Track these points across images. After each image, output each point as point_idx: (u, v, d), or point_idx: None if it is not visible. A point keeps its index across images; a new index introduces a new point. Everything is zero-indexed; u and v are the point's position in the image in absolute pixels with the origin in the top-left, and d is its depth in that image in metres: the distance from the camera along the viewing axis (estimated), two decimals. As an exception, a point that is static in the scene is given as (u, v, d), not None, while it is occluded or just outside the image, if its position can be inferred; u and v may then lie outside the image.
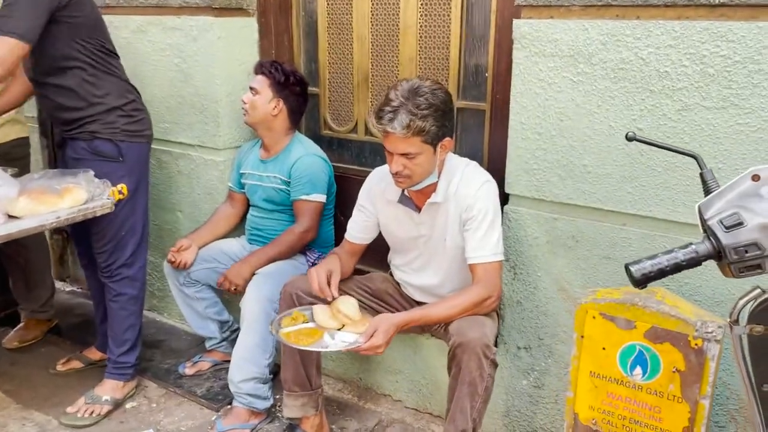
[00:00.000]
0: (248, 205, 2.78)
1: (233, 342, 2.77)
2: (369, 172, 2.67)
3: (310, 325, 2.00)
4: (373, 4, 2.55)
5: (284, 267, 2.48)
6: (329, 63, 2.75)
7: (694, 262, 1.14)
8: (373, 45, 2.60)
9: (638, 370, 1.74)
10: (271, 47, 2.89)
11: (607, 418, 1.81)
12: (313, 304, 2.16)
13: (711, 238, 1.13)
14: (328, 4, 2.67)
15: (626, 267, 1.17)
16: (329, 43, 2.72)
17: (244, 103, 2.52)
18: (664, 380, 1.70)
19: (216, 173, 2.90)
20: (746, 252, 1.07)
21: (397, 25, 2.51)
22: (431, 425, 2.52)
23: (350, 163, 2.81)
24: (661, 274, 1.15)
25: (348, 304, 2.01)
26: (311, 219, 2.51)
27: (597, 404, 1.82)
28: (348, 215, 2.73)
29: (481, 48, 2.34)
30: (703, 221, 1.15)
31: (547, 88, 2.00)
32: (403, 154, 1.91)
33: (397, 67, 2.56)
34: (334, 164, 2.82)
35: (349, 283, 2.24)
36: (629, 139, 1.33)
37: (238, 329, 2.79)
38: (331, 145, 2.84)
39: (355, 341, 1.89)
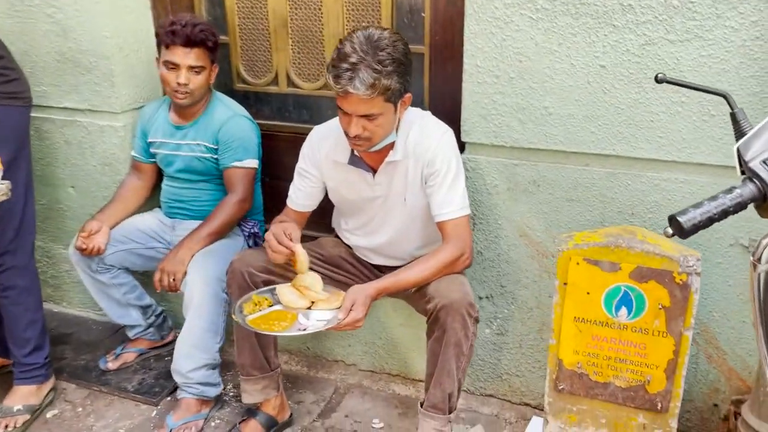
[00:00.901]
0: (159, 176, 2.47)
1: (160, 327, 2.53)
2: (295, 129, 2.49)
3: (277, 307, 1.81)
4: (287, -61, 2.28)
5: (223, 240, 2.24)
6: (239, 7, 2.45)
7: (740, 207, 1.10)
8: (290, -16, 2.34)
9: (623, 310, 1.75)
10: (165, -9, 2.52)
11: (591, 360, 1.82)
12: (268, 282, 1.98)
13: (755, 179, 1.09)
14: (232, -61, 2.36)
15: (672, 218, 1.11)
16: (237, -16, 2.42)
17: (183, 85, 2.17)
18: (649, 317, 1.72)
19: (116, 141, 2.54)
20: (795, 193, 1.05)
21: (318, -39, 2.27)
22: (390, 385, 2.45)
23: (271, 118, 2.57)
24: (710, 222, 1.10)
25: (314, 280, 1.84)
26: (246, 187, 2.28)
27: (582, 348, 1.82)
28: (273, 176, 2.53)
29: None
30: (744, 163, 1.11)
31: (504, 28, 1.89)
32: (363, 116, 1.73)
33: (320, 9, 2.33)
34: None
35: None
36: (659, 81, 1.25)
37: (162, 313, 2.54)
38: (246, 99, 2.57)
39: (333, 318, 1.74)
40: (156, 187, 2.50)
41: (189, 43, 2.13)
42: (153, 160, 2.41)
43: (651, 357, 1.76)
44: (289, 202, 2.09)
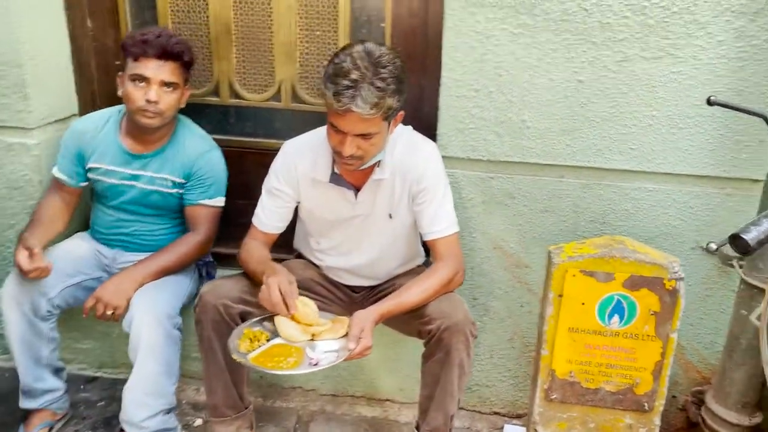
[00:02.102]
0: (81, 198, 2.18)
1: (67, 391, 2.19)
2: (238, 143, 2.33)
3: (278, 341, 1.67)
4: (232, -61, 2.11)
5: (172, 272, 2.03)
6: (172, 10, 2.23)
7: (793, 223, 1.17)
8: (235, -11, 2.17)
9: (615, 318, 1.81)
10: (84, -10, 2.24)
11: (584, 368, 1.86)
12: (245, 314, 1.83)
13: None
14: (165, -64, 2.14)
15: (736, 236, 1.16)
16: (171, -14, 2.20)
17: (153, 102, 1.90)
18: (640, 323, 1.80)
19: (28, 161, 2.21)
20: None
21: (268, -34, 2.12)
22: (355, 408, 2.37)
23: (210, 131, 2.35)
24: (768, 238, 1.16)
25: (311, 309, 1.71)
26: (212, 226, 2.08)
27: (575, 357, 1.86)
28: None
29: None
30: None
31: (485, 42, 1.88)
32: (359, 135, 1.64)
33: (270, 16, 2.18)
34: (188, 135, 2.36)
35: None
36: (711, 103, 1.30)
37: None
38: (180, 111, 2.34)
39: (342, 348, 1.63)
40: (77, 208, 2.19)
41: (164, 55, 1.89)
42: (85, 184, 2.11)
43: (640, 360, 1.84)
44: (257, 223, 1.94)
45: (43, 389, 2.10)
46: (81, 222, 2.27)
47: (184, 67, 1.96)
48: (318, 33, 2.18)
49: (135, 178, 2.04)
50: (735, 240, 1.18)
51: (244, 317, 1.83)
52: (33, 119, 2.17)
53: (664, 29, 1.80)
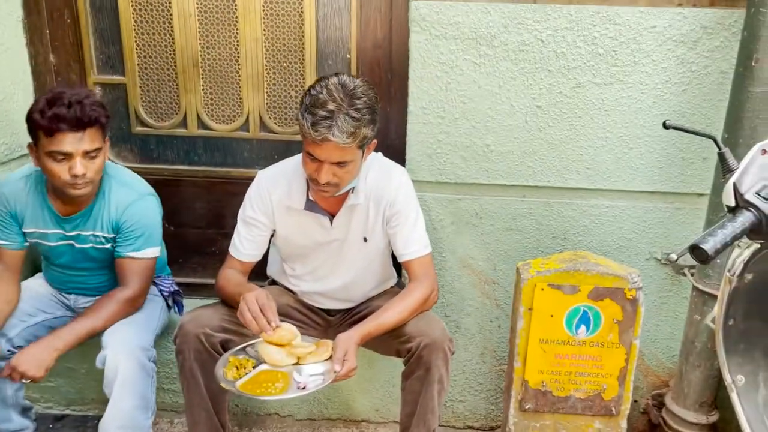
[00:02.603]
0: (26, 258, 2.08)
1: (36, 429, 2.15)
2: (204, 173, 2.37)
3: (264, 367, 1.69)
4: (198, -25, 2.16)
5: (140, 305, 2.00)
6: (138, 45, 2.26)
7: (743, 232, 1.29)
8: (201, 24, 2.22)
9: (582, 328, 1.91)
10: (45, 26, 2.25)
11: (554, 377, 1.96)
12: (226, 343, 1.85)
13: (751, 209, 1.29)
14: (130, -28, 2.18)
15: (695, 247, 1.27)
16: (136, 22, 2.23)
17: (81, 176, 1.77)
18: (604, 332, 1.91)
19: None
20: (785, 217, 1.26)
21: (234, 2, 2.18)
22: (333, 430, 2.40)
23: (177, 162, 2.40)
24: (724, 247, 1.28)
25: (292, 333, 1.75)
26: (142, 281, 1.96)
27: (546, 367, 1.95)
28: (178, 223, 2.38)
29: (341, 27, 2.18)
30: (740, 195, 1.30)
31: (449, 71, 1.99)
32: (335, 163, 1.71)
33: (236, 49, 2.24)
34: (154, 166, 2.39)
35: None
36: (666, 127, 1.42)
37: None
38: (146, 144, 2.38)
39: (327, 371, 1.67)
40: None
41: (80, 125, 1.74)
42: (26, 244, 1.99)
43: (606, 367, 1.95)
44: (234, 252, 1.97)
45: (12, 430, 2.05)
46: (36, 264, 2.22)
47: (103, 128, 1.82)
48: (285, 64, 2.24)
49: (69, 238, 1.97)
50: (695, 250, 1.29)
51: (225, 345, 1.85)
52: (-1, 155, 2.15)
53: (613, 57, 1.95)
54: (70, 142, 1.74)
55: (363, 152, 1.77)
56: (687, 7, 1.90)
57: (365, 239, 1.94)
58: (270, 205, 1.92)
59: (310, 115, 1.65)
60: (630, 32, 1.92)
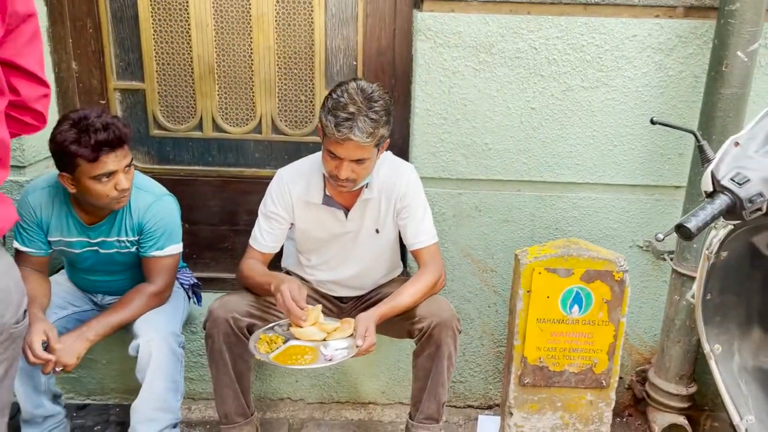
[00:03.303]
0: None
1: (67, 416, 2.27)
2: (218, 172, 2.52)
3: (293, 343, 1.86)
4: (215, -12, 2.33)
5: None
6: (157, 53, 2.41)
7: (720, 213, 1.50)
8: (217, 33, 2.37)
9: (575, 308, 2.11)
10: (68, 35, 2.38)
11: (550, 353, 2.15)
12: (251, 326, 2.01)
13: (727, 192, 1.49)
14: (150, -15, 2.33)
15: (680, 226, 1.47)
16: (156, 31, 2.38)
17: (126, 189, 1.93)
18: (595, 311, 2.11)
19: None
20: (756, 200, 1.47)
21: (248, 12, 2.35)
22: (342, 412, 2.56)
23: (193, 163, 2.54)
24: (705, 225, 1.48)
25: (320, 313, 1.93)
26: (167, 277, 2.10)
27: (543, 344, 2.14)
28: (193, 221, 2.52)
29: (348, 35, 2.36)
30: (717, 181, 1.51)
31: (452, 76, 2.18)
32: (354, 160, 1.88)
33: (250, 56, 2.40)
34: (171, 167, 2.53)
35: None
36: (653, 122, 1.63)
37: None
38: (163, 146, 2.52)
39: (350, 346, 1.85)
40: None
41: (119, 145, 1.88)
42: (51, 251, 2.10)
43: (597, 343, 2.15)
44: (254, 244, 2.12)
45: (44, 415, 2.16)
46: (58, 261, 2.33)
47: (129, 140, 1.95)
48: (295, 71, 2.41)
49: (94, 245, 2.08)
50: (680, 229, 1.49)
51: (250, 329, 2.01)
52: (26, 157, 2.27)
53: (599, 63, 2.16)
54: (114, 161, 1.88)
55: (378, 150, 1.95)
56: (664, 18, 2.12)
57: (377, 231, 2.11)
58: (290, 200, 2.08)
59: (333, 117, 1.82)
60: (614, 41, 2.13)
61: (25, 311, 1.20)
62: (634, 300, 2.41)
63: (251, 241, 2.14)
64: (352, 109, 1.82)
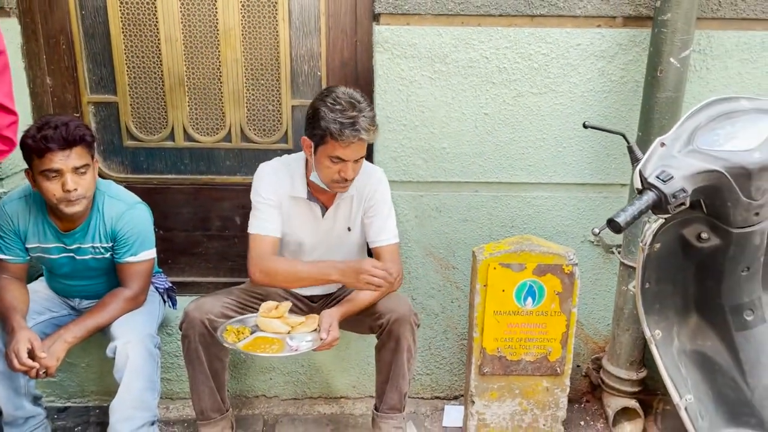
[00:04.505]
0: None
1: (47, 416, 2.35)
2: (191, 180, 2.62)
3: (260, 334, 1.98)
4: (182, 4, 2.43)
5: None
6: (128, 67, 2.51)
7: (647, 208, 1.64)
8: (186, 47, 2.48)
9: (529, 300, 2.25)
10: (42, 52, 2.48)
11: (507, 344, 2.30)
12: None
13: (653, 189, 1.64)
14: (120, 3, 2.43)
15: (611, 220, 1.62)
16: (126, 46, 2.49)
17: (72, 191, 1.97)
18: (548, 302, 2.26)
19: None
20: (679, 195, 1.61)
21: (216, 26, 2.46)
22: (315, 407, 2.67)
23: (166, 172, 2.65)
24: (633, 219, 1.62)
25: (287, 308, 2.05)
26: (142, 281, 2.19)
27: (500, 335, 2.29)
28: (167, 227, 2.63)
29: (312, 47, 2.48)
30: (644, 179, 1.65)
31: (409, 85, 2.31)
32: (356, 160, 2.02)
33: (219, 68, 2.51)
34: (144, 176, 2.64)
35: (242, 295, 2.22)
36: (585, 126, 1.77)
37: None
38: (137, 156, 2.62)
39: (315, 339, 1.97)
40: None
41: (67, 143, 1.93)
42: (29, 258, 2.18)
43: (550, 333, 2.29)
44: (263, 232, 2.12)
45: (25, 417, 2.24)
46: (35, 269, 2.42)
47: (89, 146, 2.01)
48: (262, 81, 2.53)
49: (70, 251, 2.16)
50: (610, 223, 1.64)
51: (225, 329, 2.12)
52: (3, 170, 2.36)
53: (546, 71, 2.31)
54: (60, 160, 1.94)
55: None
56: (605, 28, 2.28)
57: (349, 229, 2.23)
58: (281, 193, 2.15)
59: (338, 124, 1.94)
60: (559, 49, 2.28)
61: None
62: (587, 292, 2.56)
63: (255, 231, 2.13)
64: (352, 112, 1.95)
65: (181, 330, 2.11)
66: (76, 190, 1.98)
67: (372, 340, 2.42)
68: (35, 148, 1.94)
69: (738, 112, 1.72)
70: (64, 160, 1.95)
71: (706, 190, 1.65)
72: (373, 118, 1.99)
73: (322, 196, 2.18)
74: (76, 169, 1.98)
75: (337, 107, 1.96)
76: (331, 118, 1.95)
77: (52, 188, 1.97)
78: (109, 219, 2.14)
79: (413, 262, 2.51)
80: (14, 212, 2.13)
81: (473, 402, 2.37)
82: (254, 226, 2.14)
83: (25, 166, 2.03)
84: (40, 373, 1.99)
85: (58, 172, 1.96)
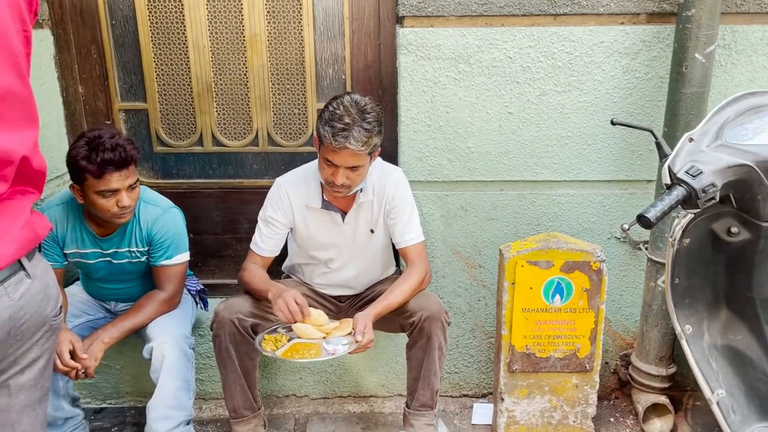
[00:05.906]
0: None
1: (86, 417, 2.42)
2: (219, 184, 2.67)
3: (296, 341, 2.02)
4: (209, 12, 2.48)
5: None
6: (158, 75, 2.57)
7: (677, 203, 1.65)
8: (214, 53, 2.53)
9: (557, 297, 2.27)
10: (74, 62, 2.54)
11: (536, 341, 2.31)
12: (256, 326, 2.16)
13: (683, 184, 1.65)
14: (149, 12, 2.49)
15: (641, 216, 1.63)
16: (156, 54, 2.54)
17: (127, 207, 2.06)
18: (576, 299, 2.27)
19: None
20: (709, 190, 1.62)
21: (242, 33, 2.51)
22: (345, 406, 2.71)
23: (195, 177, 2.70)
24: (663, 215, 1.63)
25: (321, 316, 2.08)
26: (177, 283, 2.25)
27: (529, 333, 2.30)
28: (197, 230, 2.68)
29: (336, 51, 2.52)
30: (673, 174, 1.67)
31: (434, 86, 2.34)
32: (349, 167, 2.04)
33: (245, 74, 2.56)
34: (174, 181, 2.69)
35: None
36: (613, 123, 1.79)
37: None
38: (167, 161, 2.68)
39: (350, 342, 2.00)
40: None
41: (124, 165, 2.01)
42: (66, 263, 2.26)
43: (579, 329, 2.30)
44: (255, 249, 2.27)
45: (64, 417, 2.31)
46: (72, 274, 2.50)
47: (137, 162, 2.09)
48: (288, 86, 2.57)
49: (107, 256, 2.22)
50: (640, 219, 1.65)
51: (254, 329, 2.17)
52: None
53: (570, 69, 2.32)
54: (117, 180, 2.01)
55: (371, 158, 2.11)
56: (629, 25, 2.28)
57: (372, 231, 2.27)
58: (289, 206, 2.23)
59: (330, 128, 1.98)
60: (583, 47, 2.29)
61: (60, 307, 1.35)
62: (615, 288, 2.57)
63: (252, 246, 2.29)
64: (347, 120, 1.98)
65: (212, 330, 2.16)
66: (129, 205, 2.07)
67: (401, 339, 2.46)
68: (94, 171, 1.98)
69: (766, 105, 1.72)
70: (122, 180, 2.02)
71: (735, 184, 1.65)
72: (371, 132, 1.99)
73: (337, 203, 2.21)
74: (129, 187, 2.06)
75: (337, 112, 1.99)
76: (326, 122, 1.99)
77: (108, 205, 2.04)
78: (144, 223, 2.20)
79: (440, 261, 2.53)
80: (54, 219, 2.18)
81: (503, 399, 2.38)
82: (252, 241, 2.28)
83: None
84: (80, 373, 2.05)
85: (115, 192, 2.03)
